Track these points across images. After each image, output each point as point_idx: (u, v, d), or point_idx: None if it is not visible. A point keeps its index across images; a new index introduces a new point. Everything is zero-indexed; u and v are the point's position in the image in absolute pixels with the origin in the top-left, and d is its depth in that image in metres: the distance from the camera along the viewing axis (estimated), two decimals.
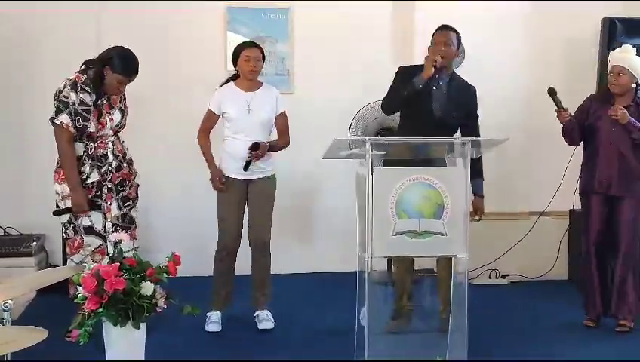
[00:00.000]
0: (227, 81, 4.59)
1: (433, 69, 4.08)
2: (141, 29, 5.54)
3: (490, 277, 5.83)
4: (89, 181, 4.15)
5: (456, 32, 4.28)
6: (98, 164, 4.17)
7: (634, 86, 4.51)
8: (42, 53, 5.52)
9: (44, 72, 5.30)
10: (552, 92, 4.46)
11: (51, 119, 4.10)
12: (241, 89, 4.51)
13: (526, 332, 4.57)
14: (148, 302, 3.27)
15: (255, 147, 4.39)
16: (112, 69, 4.10)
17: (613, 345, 4.36)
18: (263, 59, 4.56)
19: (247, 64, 4.44)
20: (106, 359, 3.33)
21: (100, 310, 3.20)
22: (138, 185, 4.39)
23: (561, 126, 4.58)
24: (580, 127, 4.58)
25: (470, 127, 4.22)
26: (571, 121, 4.53)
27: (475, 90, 4.36)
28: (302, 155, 5.33)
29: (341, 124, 5.33)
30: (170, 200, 5.72)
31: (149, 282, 3.31)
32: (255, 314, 4.60)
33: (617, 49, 4.62)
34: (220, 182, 4.45)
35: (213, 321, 4.52)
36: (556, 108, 4.49)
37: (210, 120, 4.53)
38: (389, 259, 5.35)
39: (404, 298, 4.38)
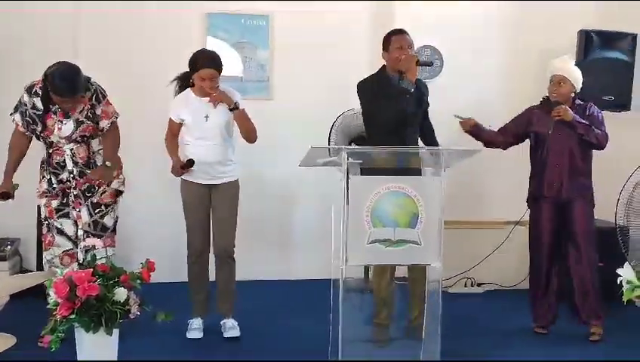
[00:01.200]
0: (181, 82, 4.50)
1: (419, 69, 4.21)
2: (119, 32, 5.54)
3: (465, 286, 5.87)
4: (52, 186, 4.17)
5: (408, 34, 4.38)
6: (54, 171, 4.17)
7: (573, 95, 4.66)
8: (19, 53, 5.47)
9: (20, 72, 5.24)
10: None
11: (10, 113, 4.17)
12: (199, 96, 4.42)
13: (500, 341, 4.60)
14: (121, 308, 3.27)
15: (190, 164, 4.36)
16: (49, 87, 4.02)
17: (590, 350, 4.42)
18: (221, 70, 4.41)
19: (204, 84, 4.31)
20: None
21: (72, 316, 3.19)
22: (117, 190, 4.33)
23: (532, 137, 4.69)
24: (511, 133, 4.75)
25: (427, 124, 4.43)
26: (477, 127, 4.67)
27: (424, 82, 4.53)
28: (280, 162, 5.36)
29: (320, 131, 5.34)
30: (147, 206, 5.70)
31: (122, 288, 3.30)
32: (222, 323, 4.57)
33: (557, 59, 4.71)
34: (180, 166, 4.35)
35: (195, 328, 4.50)
36: (460, 120, 4.62)
37: (173, 128, 4.49)
38: (366, 267, 5.38)
39: (383, 313, 4.34)
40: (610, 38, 5.64)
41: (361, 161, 3.65)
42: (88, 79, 4.15)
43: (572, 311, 4.71)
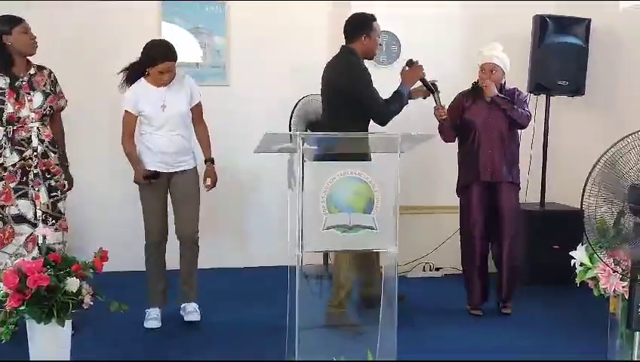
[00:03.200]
0: (130, 73, 4.40)
1: None
2: (70, 16, 5.42)
3: (424, 270, 5.90)
4: (9, 164, 4.05)
5: None
6: (18, 148, 4.06)
7: (503, 81, 4.80)
8: None
9: None
10: (434, 88, 4.54)
11: None
12: (154, 85, 4.36)
13: (458, 323, 4.65)
14: (73, 298, 3.21)
15: (156, 176, 4.37)
16: (7, 29, 3.99)
17: (536, 326, 4.50)
18: (176, 59, 4.36)
19: (162, 77, 4.29)
20: (30, 357, 3.27)
21: (23, 307, 3.13)
22: (64, 183, 4.26)
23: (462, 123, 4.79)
24: (454, 125, 4.79)
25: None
26: (447, 120, 4.71)
27: None
28: (236, 149, 5.31)
29: (277, 117, 5.32)
30: (102, 196, 5.62)
31: (74, 278, 3.25)
32: (182, 306, 4.56)
33: (485, 47, 4.80)
34: (143, 176, 4.36)
35: (153, 318, 4.46)
36: (435, 105, 4.62)
37: (130, 122, 4.38)
38: (326, 254, 5.38)
39: (341, 293, 4.34)
40: (565, 24, 5.69)
41: (316, 147, 3.63)
42: None
43: (483, 291, 4.90)
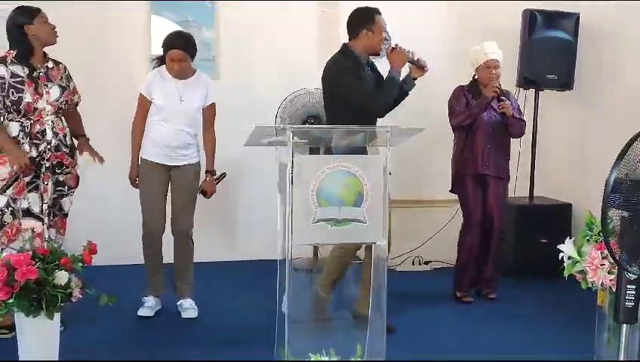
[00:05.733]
0: (159, 63, 4.47)
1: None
2: (58, 9, 5.36)
3: (413, 264, 5.92)
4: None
5: None
6: (35, 141, 4.02)
7: None
8: None
9: None
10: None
11: None
12: (174, 76, 4.40)
13: (446, 317, 4.67)
14: (62, 291, 3.21)
15: (204, 194, 4.52)
16: (29, 19, 4.00)
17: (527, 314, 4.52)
18: (193, 55, 4.42)
19: (171, 65, 4.36)
20: (19, 349, 3.27)
21: (11, 300, 3.12)
22: (78, 176, 4.24)
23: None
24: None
25: None
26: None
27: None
28: (226, 142, 5.26)
29: (266, 111, 5.31)
30: (99, 188, 5.59)
31: (63, 271, 3.24)
32: (178, 303, 4.56)
33: (486, 44, 4.91)
34: (133, 182, 4.44)
35: (147, 306, 4.48)
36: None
37: (144, 104, 4.42)
38: (316, 247, 5.38)
39: (327, 288, 4.31)
40: (553, 18, 5.71)
41: (306, 140, 3.62)
42: None
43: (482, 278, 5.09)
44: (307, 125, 5.02)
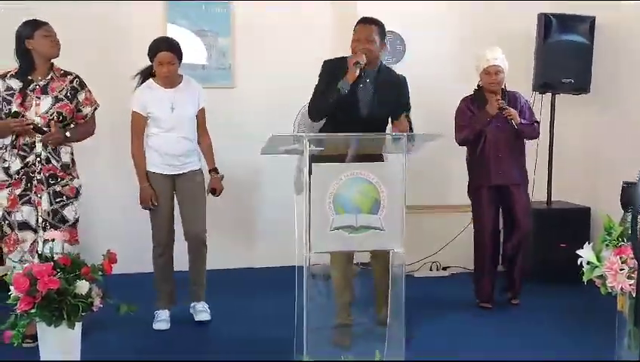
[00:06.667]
0: (143, 75, 4.48)
1: (358, 71, 3.94)
2: (77, 20, 5.44)
3: (431, 270, 5.91)
4: (12, 170, 4.04)
5: (378, 24, 4.12)
6: (22, 153, 4.04)
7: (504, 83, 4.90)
8: None
9: None
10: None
11: None
12: (162, 86, 4.42)
13: (464, 323, 4.66)
14: (83, 301, 3.24)
15: (214, 192, 4.52)
16: (30, 32, 4.04)
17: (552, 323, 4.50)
18: (181, 57, 4.43)
19: (161, 69, 4.36)
20: (40, 358, 3.29)
21: (33, 310, 3.15)
22: (77, 188, 4.22)
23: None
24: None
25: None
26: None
27: (404, 80, 4.24)
28: (242, 150, 5.31)
29: (282, 119, 5.31)
30: (107, 196, 5.64)
31: (84, 281, 3.27)
32: (192, 305, 4.58)
33: (487, 50, 4.86)
34: (152, 202, 4.40)
35: (162, 319, 4.48)
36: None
37: (138, 123, 4.42)
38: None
39: (345, 311, 4.23)
40: (569, 21, 5.69)
41: (322, 149, 3.64)
42: None
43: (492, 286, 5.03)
44: (321, 133, 5.02)
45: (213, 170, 4.57)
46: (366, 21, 4.13)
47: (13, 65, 4.14)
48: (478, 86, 4.92)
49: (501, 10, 5.82)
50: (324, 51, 5.70)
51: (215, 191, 4.55)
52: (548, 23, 5.64)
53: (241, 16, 5.88)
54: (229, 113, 5.54)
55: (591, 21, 5.71)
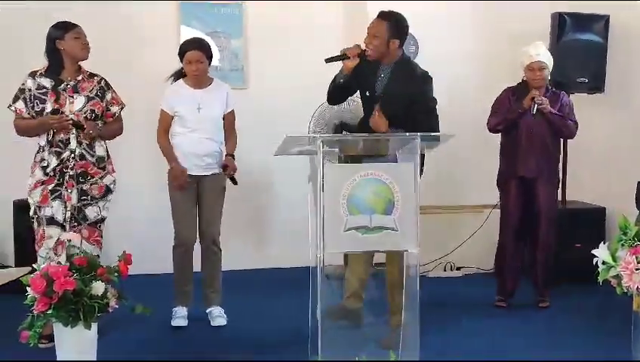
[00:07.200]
0: (176, 77, 4.57)
1: (353, 62, 4.05)
2: (92, 23, 5.44)
3: (444, 270, 5.90)
4: (49, 169, 4.09)
5: (391, 20, 4.08)
6: (57, 150, 4.10)
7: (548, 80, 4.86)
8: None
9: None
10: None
11: (8, 106, 4.15)
12: (191, 86, 4.50)
13: (478, 323, 4.65)
14: (99, 301, 3.25)
15: (225, 168, 4.47)
16: (61, 34, 4.10)
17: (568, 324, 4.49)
18: (210, 57, 4.52)
19: (190, 67, 4.44)
20: (57, 358, 3.31)
21: (50, 311, 3.17)
22: (107, 186, 4.25)
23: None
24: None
25: (419, 120, 3.92)
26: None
27: (422, 76, 4.12)
28: (256, 151, 5.33)
29: (295, 120, 5.33)
30: (130, 198, 5.65)
31: (99, 282, 3.29)
32: (208, 311, 4.60)
33: (531, 46, 4.81)
34: (184, 179, 4.43)
35: (180, 316, 4.52)
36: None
37: (165, 120, 4.51)
38: (346, 254, 5.38)
39: (351, 298, 4.26)
40: (583, 21, 5.67)
41: (337, 149, 3.64)
42: None
43: (514, 284, 4.97)
44: (338, 134, 5.03)
45: (230, 155, 4.55)
46: (379, 15, 4.13)
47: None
48: (523, 80, 4.88)
49: (515, 10, 5.80)
50: (335, 51, 5.71)
51: (226, 168, 4.49)
52: (562, 23, 5.63)
53: (253, 17, 5.91)
54: (242, 114, 5.51)
55: (605, 20, 5.69)
